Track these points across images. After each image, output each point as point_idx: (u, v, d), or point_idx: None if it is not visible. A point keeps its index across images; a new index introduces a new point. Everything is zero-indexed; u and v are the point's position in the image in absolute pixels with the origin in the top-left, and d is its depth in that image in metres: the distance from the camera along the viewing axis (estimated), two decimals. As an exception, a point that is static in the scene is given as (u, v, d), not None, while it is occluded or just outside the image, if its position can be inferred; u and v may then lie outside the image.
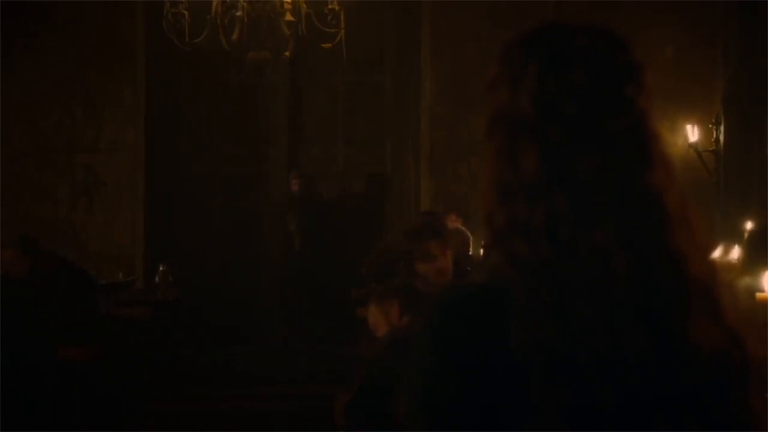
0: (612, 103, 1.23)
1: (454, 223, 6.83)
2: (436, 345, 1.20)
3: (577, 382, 1.14)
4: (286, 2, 5.86)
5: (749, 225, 6.23)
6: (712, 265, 1.27)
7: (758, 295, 3.45)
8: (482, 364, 1.17)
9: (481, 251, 6.39)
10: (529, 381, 1.14)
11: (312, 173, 9.19)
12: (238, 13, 5.81)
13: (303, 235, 8.95)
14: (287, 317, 9.12)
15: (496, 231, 1.24)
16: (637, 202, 1.21)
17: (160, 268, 7.66)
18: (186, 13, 5.91)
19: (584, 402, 1.14)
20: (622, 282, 1.18)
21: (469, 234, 6.42)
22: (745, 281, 3.80)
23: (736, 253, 5.09)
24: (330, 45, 6.18)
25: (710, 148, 8.18)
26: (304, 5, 5.97)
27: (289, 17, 5.91)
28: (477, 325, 1.20)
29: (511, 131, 1.24)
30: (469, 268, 4.95)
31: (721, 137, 8.18)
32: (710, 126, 8.22)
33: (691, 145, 7.94)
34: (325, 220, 9.05)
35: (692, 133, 8.00)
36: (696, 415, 1.18)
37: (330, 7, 6.08)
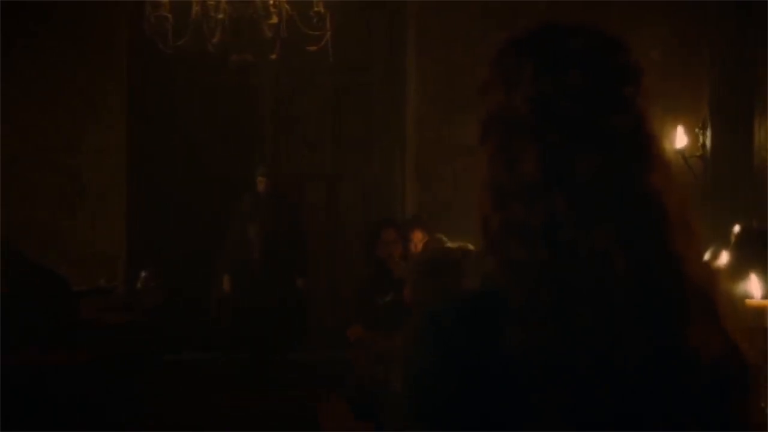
0: (609, 103, 1.23)
1: (419, 243, 6.60)
2: (436, 347, 1.20)
3: (577, 382, 1.14)
4: (271, 5, 5.82)
5: (737, 229, 6.20)
6: (710, 268, 1.28)
7: (747, 301, 3.44)
8: (480, 366, 1.16)
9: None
10: (528, 382, 1.14)
11: (278, 172, 8.65)
12: (220, 16, 5.76)
13: (264, 242, 8.13)
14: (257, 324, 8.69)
15: (491, 235, 1.23)
16: (636, 203, 1.20)
17: (142, 275, 7.60)
18: (169, 15, 5.85)
19: (584, 402, 1.14)
20: (622, 283, 1.17)
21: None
22: (734, 286, 3.78)
23: (724, 258, 5.06)
24: (315, 47, 6.14)
25: (697, 153, 8.16)
26: (287, 6, 5.92)
27: (274, 19, 5.87)
28: (474, 328, 1.19)
29: (507, 133, 1.24)
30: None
31: (708, 142, 8.16)
32: (697, 131, 8.21)
33: (678, 151, 7.93)
34: (292, 225, 8.29)
35: (680, 138, 7.98)
36: (694, 418, 1.18)
37: (315, 9, 6.04)
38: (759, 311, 3.27)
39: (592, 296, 1.16)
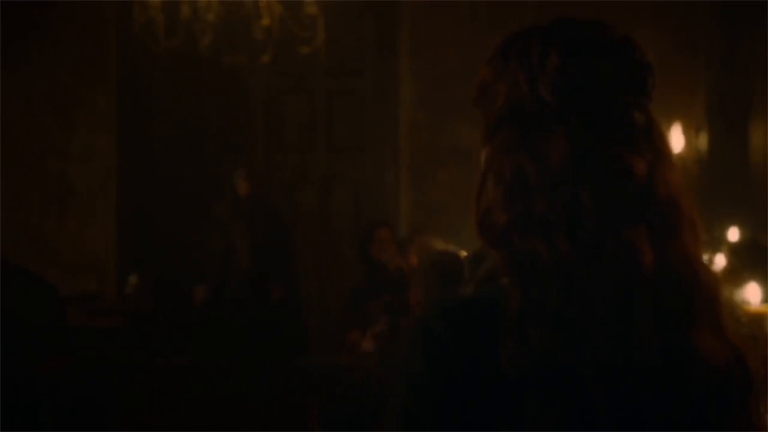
0: (631, 97, 1.21)
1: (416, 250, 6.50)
2: (427, 359, 1.17)
3: (579, 390, 1.10)
4: (262, 4, 5.78)
5: (732, 234, 6.17)
6: (714, 273, 1.24)
7: (746, 307, 3.42)
8: (469, 373, 1.14)
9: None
10: (523, 391, 1.10)
11: (268, 175, 8.41)
12: (210, 17, 5.71)
13: (252, 249, 7.72)
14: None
15: (496, 230, 1.18)
16: (660, 201, 1.18)
17: (130, 280, 7.54)
18: (158, 17, 5.81)
19: (585, 410, 1.10)
20: (647, 283, 1.13)
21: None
22: (731, 292, 3.76)
23: (720, 264, 5.03)
24: (308, 49, 6.11)
25: (693, 156, 8.14)
26: (279, 6, 5.88)
27: (265, 22, 5.84)
28: (464, 335, 1.17)
29: (526, 123, 1.20)
30: None
31: (704, 145, 8.13)
32: (692, 133, 8.18)
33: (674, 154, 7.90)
34: (278, 230, 7.92)
35: (676, 141, 7.96)
36: (697, 425, 1.16)
37: (308, 12, 6.00)
38: (757, 318, 3.26)
39: (608, 294, 1.12)
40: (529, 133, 1.20)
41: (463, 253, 5.14)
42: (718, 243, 6.02)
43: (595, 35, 1.23)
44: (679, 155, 7.92)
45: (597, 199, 1.15)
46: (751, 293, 3.69)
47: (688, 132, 8.13)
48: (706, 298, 1.19)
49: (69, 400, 5.90)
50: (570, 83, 1.19)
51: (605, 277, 1.12)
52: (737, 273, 4.28)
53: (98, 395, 6.25)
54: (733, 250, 4.86)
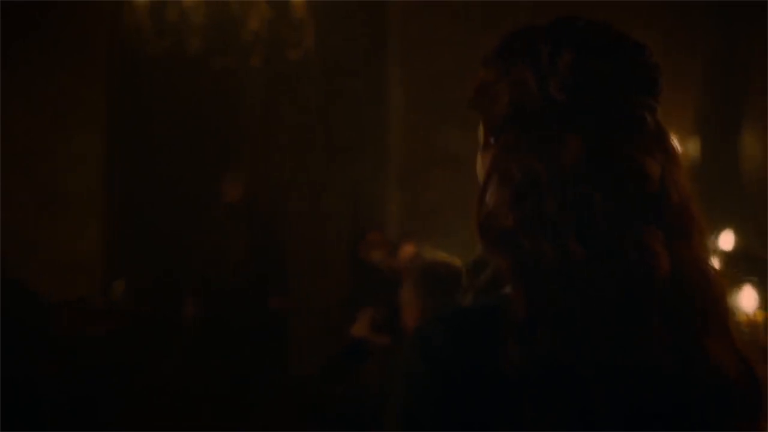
0: (643, 99, 1.22)
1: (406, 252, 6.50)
2: (422, 353, 1.16)
3: (580, 391, 1.10)
4: (249, 6, 5.77)
5: (724, 241, 6.18)
6: (722, 279, 1.24)
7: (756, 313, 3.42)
8: (468, 374, 1.13)
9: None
10: (523, 391, 1.10)
11: (257, 174, 8.42)
12: (199, 20, 5.70)
13: (248, 252, 7.66)
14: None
15: (498, 232, 1.17)
16: (673, 204, 1.18)
17: (115, 285, 7.52)
18: (145, 19, 5.80)
19: (586, 411, 1.10)
20: (658, 286, 1.13)
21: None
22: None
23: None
24: (296, 53, 6.10)
25: (686, 163, 8.14)
26: (267, 6, 5.86)
27: (253, 24, 5.83)
28: (463, 339, 1.15)
29: (534, 123, 1.19)
30: None
31: (696, 151, 8.14)
32: (686, 140, 8.19)
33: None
34: (271, 236, 7.91)
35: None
36: None
37: (297, 15, 5.99)
38: (754, 324, 3.24)
39: (615, 296, 1.11)
40: (537, 133, 1.18)
41: (458, 262, 5.14)
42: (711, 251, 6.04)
43: (603, 35, 1.24)
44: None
45: (609, 199, 1.14)
46: (745, 299, 3.68)
47: (680, 139, 8.14)
48: (715, 302, 1.18)
49: (69, 400, 5.89)
50: (582, 82, 1.18)
51: (614, 278, 1.12)
52: (731, 280, 4.29)
53: (98, 395, 6.23)
54: (726, 260, 4.87)
